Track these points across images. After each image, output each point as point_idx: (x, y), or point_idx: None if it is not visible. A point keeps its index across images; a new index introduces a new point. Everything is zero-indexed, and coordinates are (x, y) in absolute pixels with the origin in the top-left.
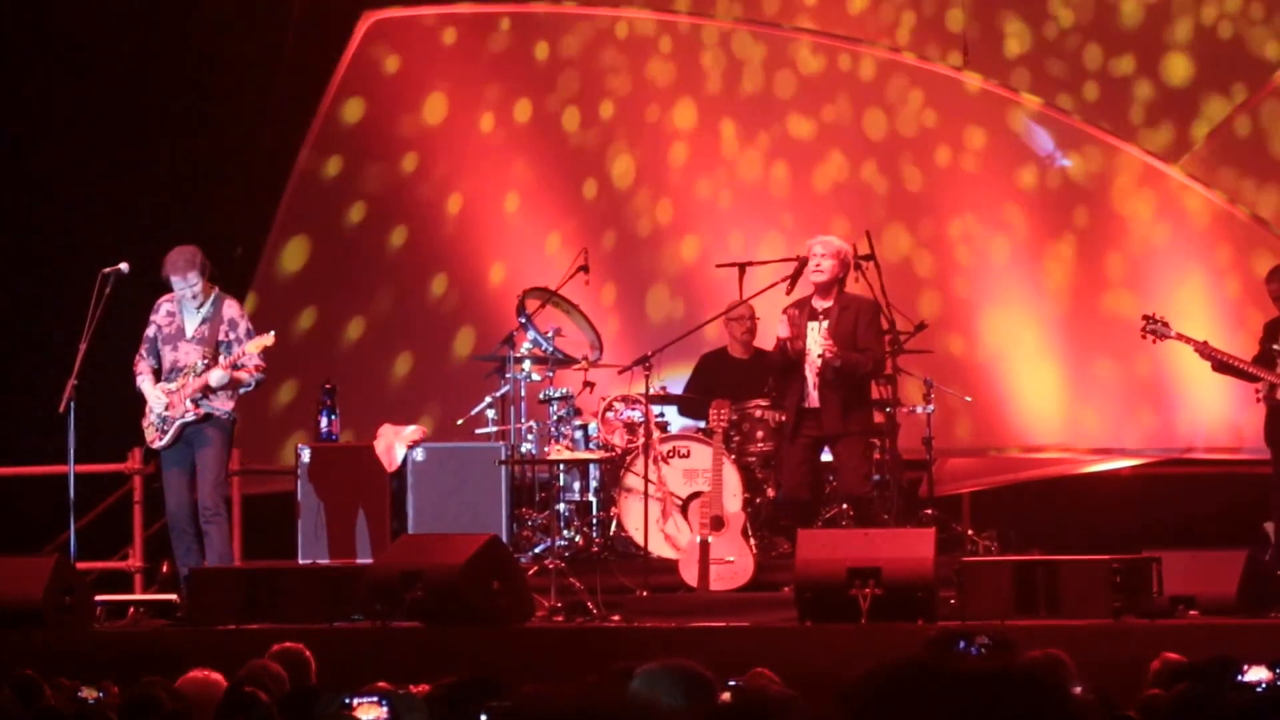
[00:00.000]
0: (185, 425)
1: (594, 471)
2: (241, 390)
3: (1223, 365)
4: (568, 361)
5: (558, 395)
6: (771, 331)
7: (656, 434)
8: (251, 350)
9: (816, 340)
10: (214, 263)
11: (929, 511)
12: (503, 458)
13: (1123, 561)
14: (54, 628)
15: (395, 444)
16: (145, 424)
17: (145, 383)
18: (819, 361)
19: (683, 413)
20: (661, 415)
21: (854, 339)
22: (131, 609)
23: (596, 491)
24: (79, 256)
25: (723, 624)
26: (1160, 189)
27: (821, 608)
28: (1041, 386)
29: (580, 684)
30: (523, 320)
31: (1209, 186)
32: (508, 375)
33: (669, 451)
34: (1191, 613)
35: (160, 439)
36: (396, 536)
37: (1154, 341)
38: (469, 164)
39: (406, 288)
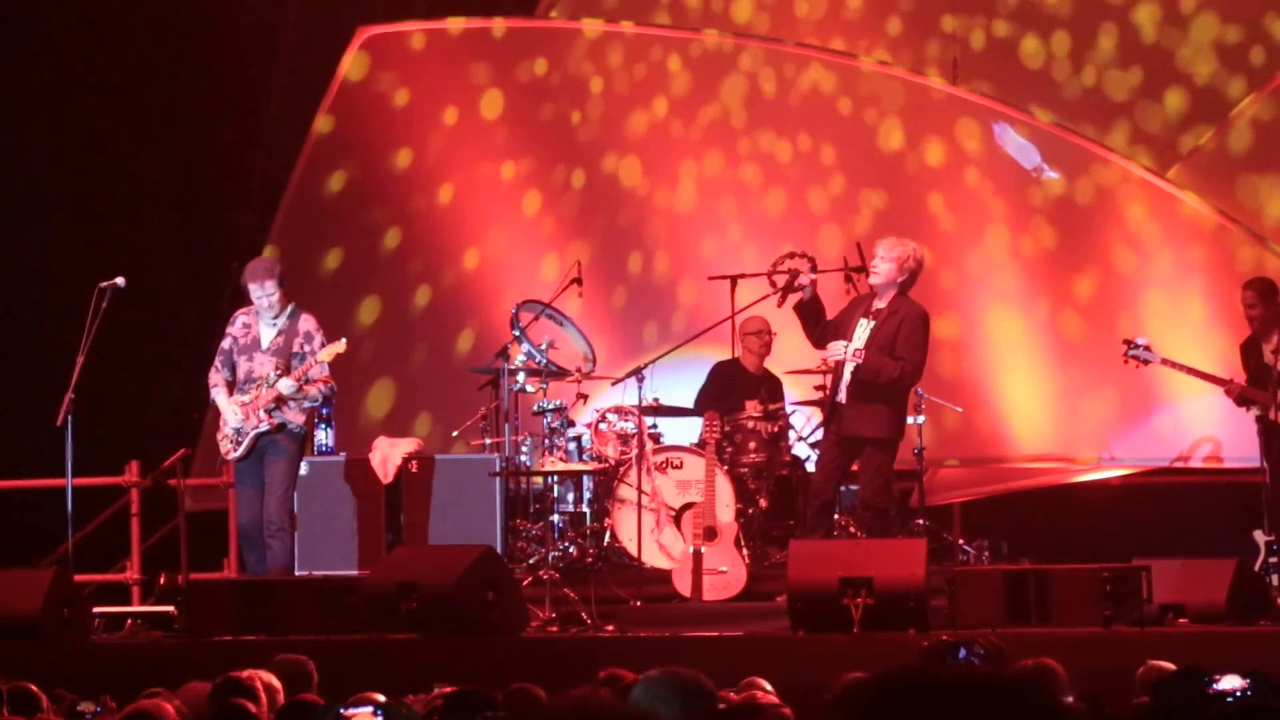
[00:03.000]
0: (259, 436)
1: (587, 483)
2: (308, 404)
3: (1244, 400)
4: (561, 374)
5: (551, 407)
6: (783, 345)
7: (650, 445)
8: (324, 357)
9: (859, 338)
10: (212, 277)
11: (920, 521)
12: (497, 469)
13: (1113, 570)
14: (52, 640)
15: (390, 456)
16: (219, 436)
17: (220, 395)
18: (855, 359)
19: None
20: (654, 426)
21: (893, 345)
22: (129, 621)
23: (590, 503)
24: (76, 270)
25: (716, 634)
26: (1151, 201)
27: (814, 617)
28: (1032, 397)
29: (573, 691)
30: (516, 333)
31: (1199, 198)
32: (502, 387)
33: (662, 463)
34: (1181, 621)
35: (235, 450)
36: (392, 548)
37: (1137, 366)
38: (463, 175)
39: (403, 299)
